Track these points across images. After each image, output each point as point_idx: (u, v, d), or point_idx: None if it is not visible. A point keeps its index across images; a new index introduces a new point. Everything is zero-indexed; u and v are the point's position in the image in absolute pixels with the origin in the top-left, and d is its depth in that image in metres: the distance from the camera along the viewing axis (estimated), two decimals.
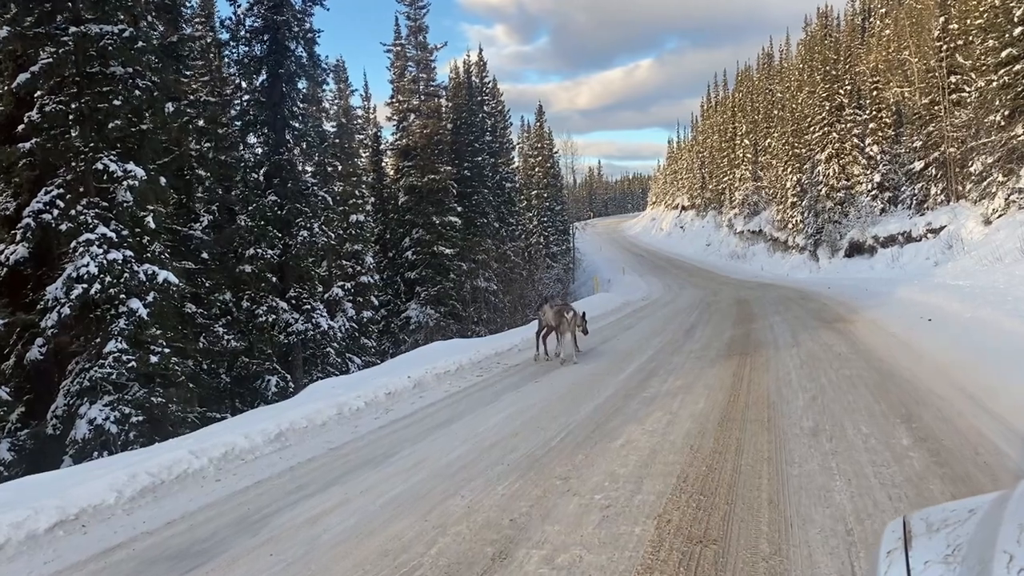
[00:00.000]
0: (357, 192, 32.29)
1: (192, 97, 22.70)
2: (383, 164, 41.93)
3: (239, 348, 22.36)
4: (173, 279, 15.97)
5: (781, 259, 58.82)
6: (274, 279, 24.31)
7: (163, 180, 16.57)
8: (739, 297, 30.89)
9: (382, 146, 41.64)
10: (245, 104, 25.37)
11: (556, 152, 79.00)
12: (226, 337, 20.59)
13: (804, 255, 53.69)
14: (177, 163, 19.75)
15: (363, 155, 41.65)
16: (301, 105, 26.28)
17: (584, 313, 14.83)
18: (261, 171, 25.22)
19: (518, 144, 77.17)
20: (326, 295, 29.67)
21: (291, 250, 25.19)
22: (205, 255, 20.56)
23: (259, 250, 23.81)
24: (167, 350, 15.74)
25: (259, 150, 25.60)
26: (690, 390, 10.50)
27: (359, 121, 38.21)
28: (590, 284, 64.58)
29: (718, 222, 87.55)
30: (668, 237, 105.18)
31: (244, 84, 26.51)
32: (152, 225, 15.84)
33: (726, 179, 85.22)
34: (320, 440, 8.98)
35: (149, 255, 15.85)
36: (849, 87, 49.59)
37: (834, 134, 49.57)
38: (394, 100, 40.99)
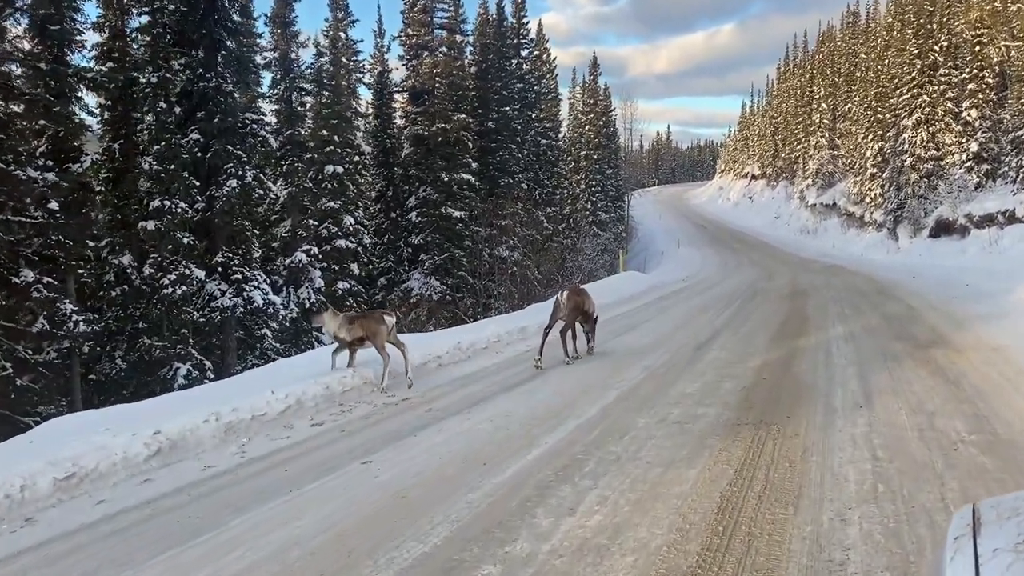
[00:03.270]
0: (337, 138, 26.61)
1: None
2: (390, 110, 36.13)
3: (98, 331, 17.14)
4: None
5: (855, 236, 51.77)
6: (188, 240, 18.92)
7: None
8: (797, 286, 24.43)
9: (390, 89, 35.74)
10: (159, 9, 19.49)
11: (613, 111, 72.24)
12: (76, 318, 15.15)
13: (882, 233, 46.76)
14: None
15: (365, 99, 35.97)
16: (238, 19, 20.58)
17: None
18: (181, 100, 19.72)
19: (569, 100, 70.68)
20: (289, 261, 24.35)
21: (216, 204, 19.75)
22: (53, 204, 15.10)
23: (168, 202, 18.41)
24: None
25: (184, 76, 20.01)
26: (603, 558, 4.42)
27: (360, 58, 32.61)
28: (643, 256, 58.64)
29: (789, 193, 79.81)
30: (735, 208, 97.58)
31: None
32: None
33: (800, 147, 77.24)
34: None
35: None
36: (945, 43, 42.21)
37: (924, 97, 42.47)
38: (404, 34, 35.15)
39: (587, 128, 65.45)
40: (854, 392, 8.29)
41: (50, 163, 16.62)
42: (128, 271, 18.47)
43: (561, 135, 62.20)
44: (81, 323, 14.90)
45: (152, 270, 18.44)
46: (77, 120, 17.34)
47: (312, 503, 5.48)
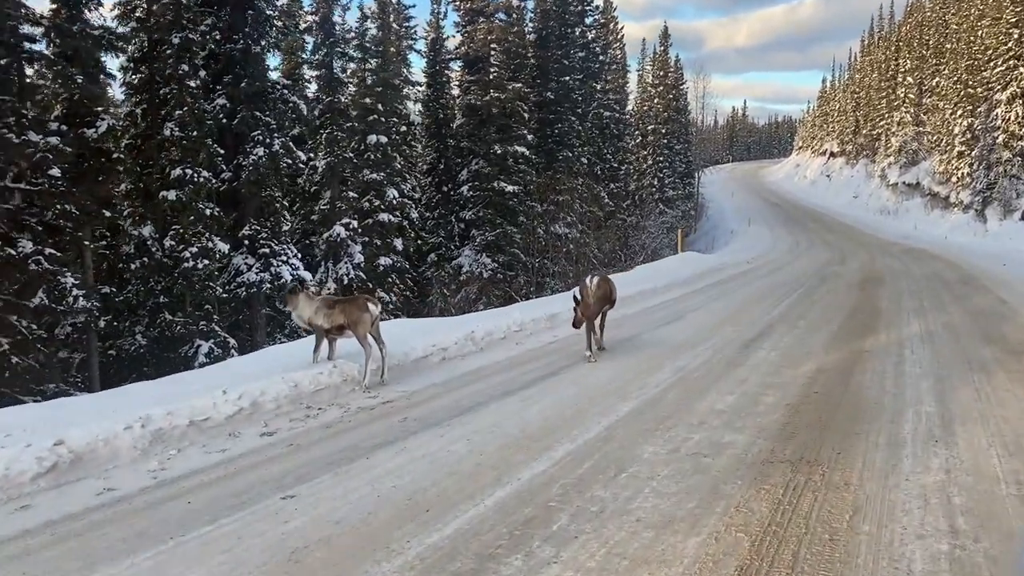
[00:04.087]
0: (382, 107, 25.30)
1: None
2: (444, 79, 34.64)
3: (118, 305, 16.25)
4: None
5: (939, 218, 48.56)
6: (212, 211, 17.92)
7: None
8: (872, 271, 22.26)
9: (443, 56, 34.23)
10: None
11: (684, 84, 69.36)
12: (76, 293, 14.18)
13: (968, 215, 43.69)
14: None
15: (418, 68, 34.57)
16: None
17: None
18: (208, 63, 18.64)
19: (638, 72, 68.14)
20: (327, 235, 23.30)
21: (242, 173, 18.68)
22: (55, 171, 14.12)
23: (190, 171, 17.41)
24: None
25: (211, 38, 18.88)
26: None
27: (412, 23, 31.17)
28: (712, 235, 56.36)
29: (869, 172, 75.72)
30: (812, 186, 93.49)
31: None
32: None
33: (882, 123, 72.98)
34: None
35: None
36: None
37: (1021, 69, 38.84)
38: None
39: (656, 101, 62.92)
40: (929, 416, 6.56)
41: (64, 127, 15.73)
42: (149, 243, 17.58)
43: (628, 108, 59.94)
44: (81, 298, 13.98)
45: (173, 242, 17.50)
46: (93, 83, 16.35)
47: (183, 561, 4.15)
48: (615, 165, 48.77)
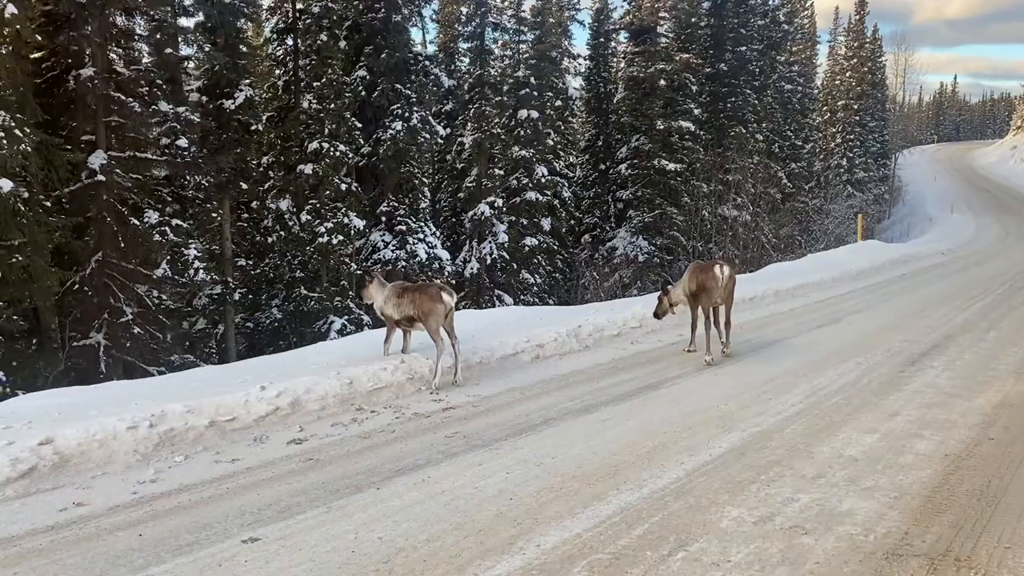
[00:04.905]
0: (535, 80, 24.15)
1: None
2: (607, 51, 32.95)
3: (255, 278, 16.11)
4: None
5: None
6: (346, 186, 17.53)
7: None
8: None
9: (607, 27, 32.54)
10: None
11: (882, 57, 63.51)
12: (198, 266, 14.01)
13: None
14: None
15: (580, 41, 33.18)
16: None
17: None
18: (351, 34, 18.18)
19: (829, 44, 63.15)
20: (471, 213, 22.60)
21: (380, 148, 18.15)
22: (182, 141, 13.96)
23: (326, 144, 17.08)
24: None
25: (353, 7, 18.38)
26: None
27: None
28: (907, 222, 51.49)
29: None
30: None
31: None
32: None
33: None
34: None
35: None
36: None
37: None
38: None
39: (848, 75, 58.00)
40: None
41: (204, 99, 15.74)
42: (287, 217, 17.45)
43: (818, 82, 55.68)
44: (201, 271, 13.87)
45: (309, 217, 17.25)
46: (234, 54, 16.26)
47: None
48: (798, 143, 45.34)
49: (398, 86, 18.06)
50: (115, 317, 13.05)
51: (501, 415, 6.38)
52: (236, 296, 16.09)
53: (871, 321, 11.01)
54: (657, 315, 8.99)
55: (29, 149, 10.13)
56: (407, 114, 17.90)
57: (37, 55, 12.95)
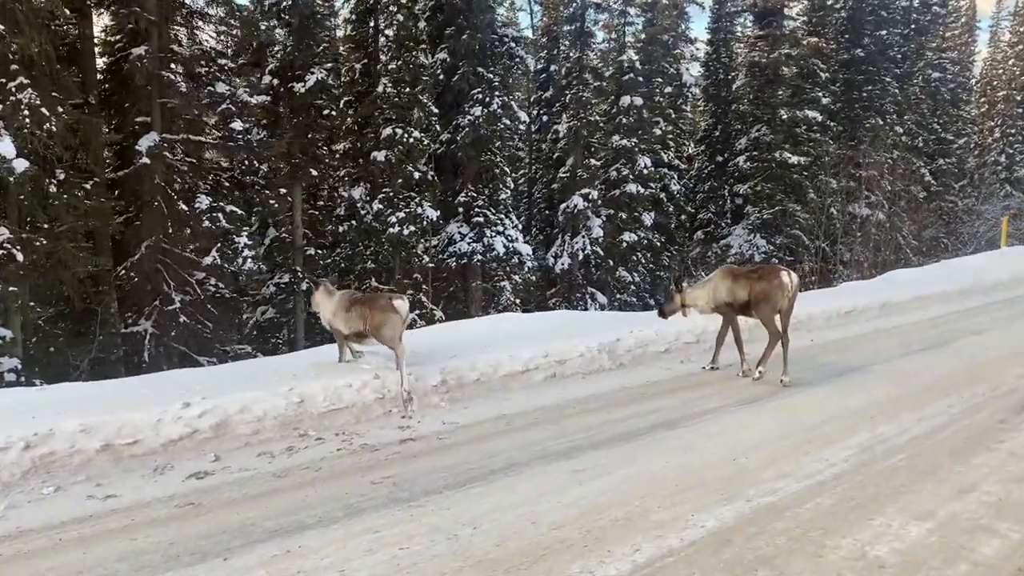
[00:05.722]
0: (640, 64, 22.54)
1: None
2: (729, 35, 30.71)
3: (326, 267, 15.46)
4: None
5: None
6: (419, 175, 16.65)
7: None
8: None
9: (728, 8, 30.28)
10: None
11: None
12: (247, 254, 13.36)
13: None
14: None
15: (698, 26, 31.06)
16: None
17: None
18: (434, 15, 17.23)
19: (991, 28, 57.40)
20: (564, 206, 21.38)
21: (459, 134, 17.17)
22: (236, 124, 13.33)
23: (400, 130, 16.26)
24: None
25: None
26: None
27: None
28: None
29: None
30: None
31: None
32: None
33: None
34: None
35: None
36: None
37: None
38: None
39: (1011, 63, 52.48)
40: None
41: (275, 82, 15.22)
42: (359, 205, 16.75)
43: (976, 72, 50.78)
44: (249, 260, 13.26)
45: (381, 206, 16.49)
46: (307, 36, 15.66)
47: None
48: (947, 137, 41.34)
49: (480, 69, 17.01)
50: (165, 304, 12.68)
51: (461, 454, 5.18)
52: (304, 286, 15.52)
53: (989, 346, 9.01)
54: (664, 314, 7.96)
55: (55, 129, 9.71)
56: (488, 99, 16.80)
57: (99, 33, 12.72)
